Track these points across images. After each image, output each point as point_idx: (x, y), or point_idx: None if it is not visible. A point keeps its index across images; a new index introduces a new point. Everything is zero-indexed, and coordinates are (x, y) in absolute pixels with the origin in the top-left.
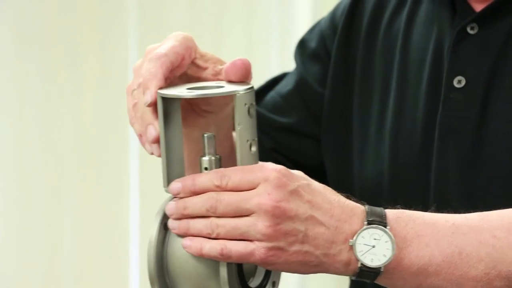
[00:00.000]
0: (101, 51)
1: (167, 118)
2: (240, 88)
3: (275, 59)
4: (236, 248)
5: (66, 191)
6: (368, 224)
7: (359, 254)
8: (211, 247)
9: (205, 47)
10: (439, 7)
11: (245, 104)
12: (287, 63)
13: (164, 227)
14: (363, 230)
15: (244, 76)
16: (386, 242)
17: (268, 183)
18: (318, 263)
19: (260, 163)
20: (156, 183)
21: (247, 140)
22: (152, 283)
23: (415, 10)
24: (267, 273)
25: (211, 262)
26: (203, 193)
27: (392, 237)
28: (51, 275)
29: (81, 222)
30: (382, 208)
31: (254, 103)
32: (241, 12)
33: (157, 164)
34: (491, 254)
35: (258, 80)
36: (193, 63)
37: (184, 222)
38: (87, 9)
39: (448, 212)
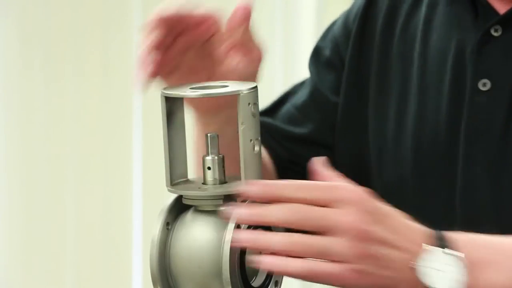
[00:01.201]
0: (105, 50)
1: (170, 118)
2: (243, 88)
3: (278, 59)
4: (322, 268)
5: (70, 191)
6: (440, 246)
7: (423, 278)
8: (297, 266)
9: None
10: (459, 9)
11: (249, 104)
12: (290, 63)
13: (166, 226)
14: (434, 254)
15: (246, 20)
16: (458, 267)
17: (350, 204)
18: (392, 285)
19: (343, 183)
20: (159, 183)
21: (251, 140)
22: (154, 283)
23: (432, 13)
24: (270, 273)
25: (214, 262)
26: (278, 201)
27: (464, 263)
28: (54, 275)
29: (84, 221)
30: (450, 233)
31: (257, 102)
32: None
33: (160, 164)
34: None
35: (261, 80)
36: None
37: (261, 236)
38: (92, 8)
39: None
